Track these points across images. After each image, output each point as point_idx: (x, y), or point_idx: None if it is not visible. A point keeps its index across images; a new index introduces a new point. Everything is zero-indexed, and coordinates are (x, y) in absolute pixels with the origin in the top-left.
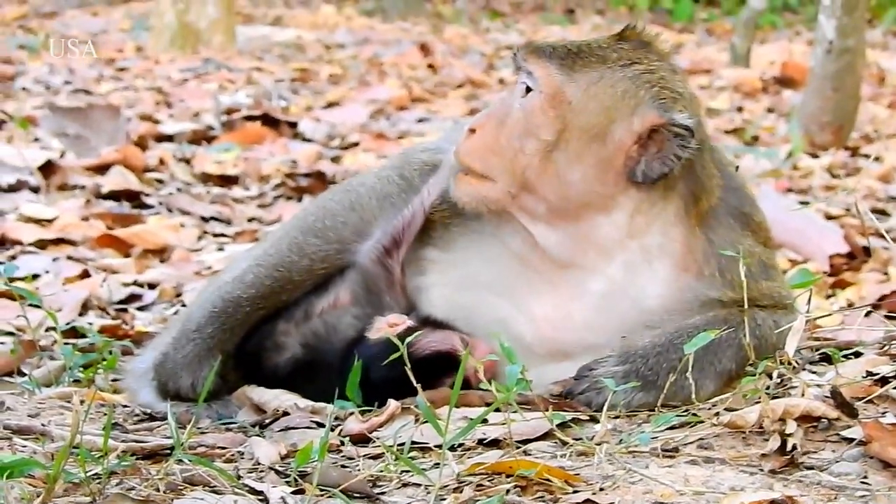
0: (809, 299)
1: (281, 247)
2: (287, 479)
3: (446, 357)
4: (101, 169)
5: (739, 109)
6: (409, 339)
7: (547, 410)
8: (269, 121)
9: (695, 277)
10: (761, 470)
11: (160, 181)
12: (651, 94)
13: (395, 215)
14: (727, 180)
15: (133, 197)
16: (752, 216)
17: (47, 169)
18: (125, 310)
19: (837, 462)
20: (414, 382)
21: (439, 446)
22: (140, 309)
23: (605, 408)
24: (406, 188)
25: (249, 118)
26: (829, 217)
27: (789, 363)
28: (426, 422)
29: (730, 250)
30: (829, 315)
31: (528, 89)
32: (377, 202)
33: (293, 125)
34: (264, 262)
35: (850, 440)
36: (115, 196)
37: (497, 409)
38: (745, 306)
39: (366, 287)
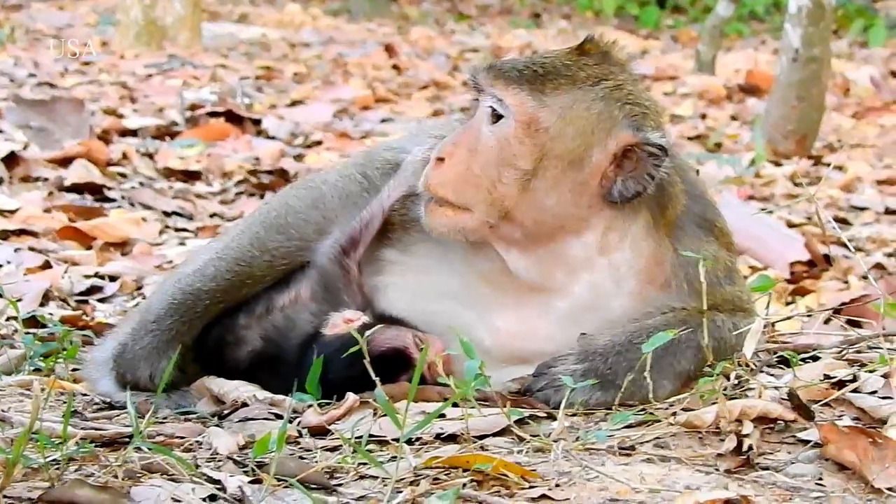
0: (768, 303)
1: (242, 241)
2: (245, 469)
3: (401, 354)
4: (65, 162)
5: (703, 116)
6: (368, 334)
7: (505, 407)
8: (232, 118)
9: (660, 289)
10: (717, 469)
11: (123, 175)
12: (624, 113)
13: (355, 214)
14: (689, 187)
15: (96, 190)
16: (714, 222)
17: (10, 161)
18: (86, 301)
19: (793, 463)
20: (373, 376)
21: (397, 440)
22: (101, 301)
23: (562, 405)
24: (368, 187)
25: (213, 115)
26: (791, 225)
27: (747, 365)
28: (384, 415)
29: (696, 258)
30: (789, 318)
31: (497, 115)
32: (339, 201)
33: (257, 122)
34: (225, 256)
35: (806, 442)
36: (77, 189)
37: (455, 405)
38: (705, 307)
39: (324, 285)
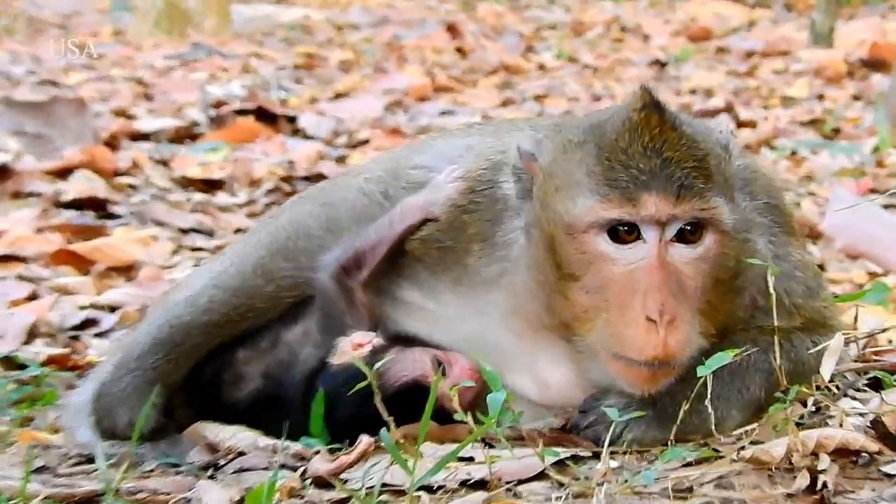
0: (856, 316)
1: (244, 266)
2: None
3: (422, 385)
4: (64, 173)
5: (820, 97)
6: (377, 366)
7: (538, 446)
8: (264, 115)
9: (749, 319)
10: None
11: (132, 187)
12: (730, 144)
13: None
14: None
15: (98, 206)
16: (780, 208)
17: (0, 174)
18: (78, 337)
19: (876, 502)
20: (385, 415)
21: (418, 488)
22: (97, 336)
23: (606, 442)
24: (390, 210)
25: (241, 112)
26: None
27: (827, 388)
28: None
29: (784, 266)
30: (881, 332)
31: (690, 231)
32: (356, 225)
33: (292, 120)
34: (223, 284)
35: (893, 476)
36: (77, 205)
37: (491, 446)
38: (775, 322)
39: (324, 309)
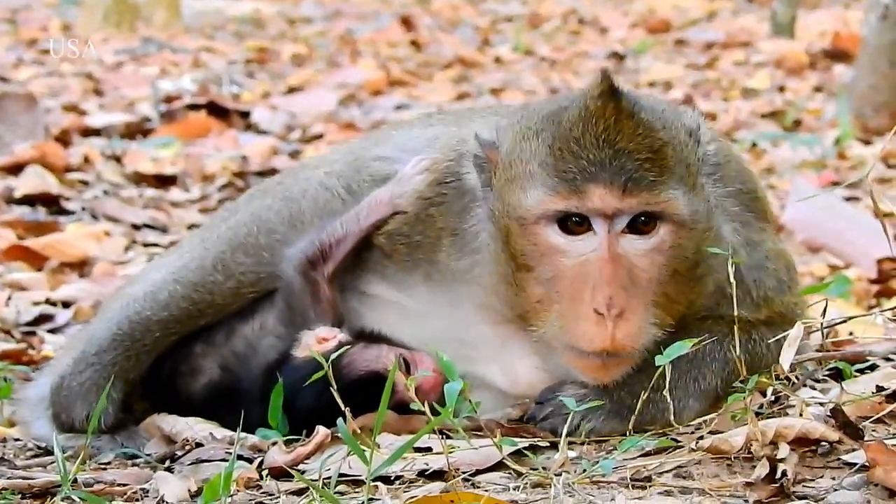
0: (825, 309)
1: (204, 262)
2: None
3: (383, 378)
4: (14, 169)
5: (781, 89)
6: (334, 356)
7: (496, 436)
8: (216, 110)
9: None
10: (745, 501)
11: (84, 182)
12: (693, 137)
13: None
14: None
15: (51, 201)
16: (753, 194)
17: None
18: (33, 332)
19: (836, 490)
20: (341, 405)
21: (375, 479)
22: (52, 331)
23: (564, 432)
24: (353, 204)
25: (193, 107)
26: (884, 216)
27: (787, 378)
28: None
29: (755, 256)
30: (842, 322)
31: (643, 223)
32: (319, 220)
33: (245, 115)
34: (183, 279)
35: (853, 465)
36: (29, 200)
37: (449, 437)
38: (735, 312)
39: (288, 302)
